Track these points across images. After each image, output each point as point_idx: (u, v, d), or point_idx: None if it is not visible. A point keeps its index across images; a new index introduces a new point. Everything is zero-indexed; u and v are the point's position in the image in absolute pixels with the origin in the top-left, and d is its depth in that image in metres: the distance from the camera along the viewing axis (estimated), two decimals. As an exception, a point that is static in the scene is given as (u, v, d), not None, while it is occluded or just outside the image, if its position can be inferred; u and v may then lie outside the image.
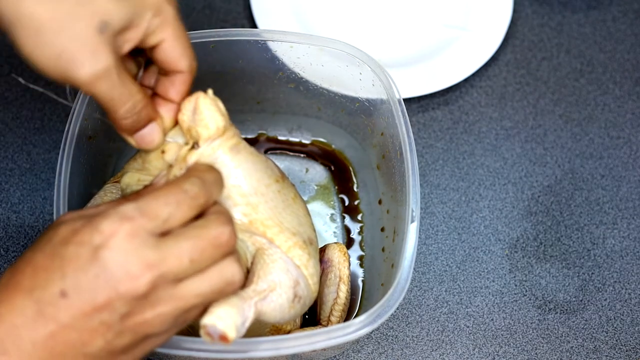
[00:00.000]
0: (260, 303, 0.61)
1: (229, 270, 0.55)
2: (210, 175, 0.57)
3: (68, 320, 0.51)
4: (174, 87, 0.60)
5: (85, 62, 0.55)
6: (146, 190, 0.57)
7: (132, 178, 0.66)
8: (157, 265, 0.51)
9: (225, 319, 0.56)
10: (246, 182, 0.63)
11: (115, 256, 0.51)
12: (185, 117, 0.61)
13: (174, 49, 0.59)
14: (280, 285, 0.62)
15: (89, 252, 0.51)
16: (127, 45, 0.57)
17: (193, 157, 0.61)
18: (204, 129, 0.61)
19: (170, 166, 0.61)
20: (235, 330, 0.57)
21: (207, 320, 0.56)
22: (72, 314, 0.51)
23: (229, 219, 0.56)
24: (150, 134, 0.61)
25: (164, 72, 0.61)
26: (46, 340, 0.51)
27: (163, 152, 0.63)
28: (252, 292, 0.61)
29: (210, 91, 0.62)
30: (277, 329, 0.70)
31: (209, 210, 0.56)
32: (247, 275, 0.63)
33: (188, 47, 0.60)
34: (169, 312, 0.53)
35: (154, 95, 0.62)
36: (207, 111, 0.61)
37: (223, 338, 0.56)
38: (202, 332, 0.57)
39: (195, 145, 0.61)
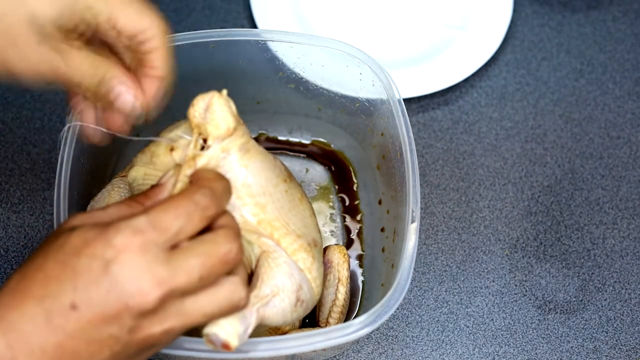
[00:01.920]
0: (262, 308, 0.61)
1: (237, 295, 0.55)
2: (219, 184, 0.57)
3: (77, 332, 0.51)
4: (149, 55, 0.60)
5: (17, 62, 0.56)
6: (154, 191, 0.58)
7: (138, 172, 0.66)
8: (167, 281, 0.52)
9: (227, 328, 0.56)
10: (255, 182, 0.63)
11: (126, 271, 0.51)
12: (197, 113, 0.61)
13: (130, 24, 0.57)
14: (283, 290, 0.62)
15: (100, 266, 0.51)
16: (80, 37, 0.57)
17: (203, 159, 0.61)
18: (215, 128, 0.61)
19: (178, 165, 0.61)
20: (237, 339, 0.57)
21: (210, 329, 0.56)
22: (81, 326, 0.51)
23: (237, 234, 0.56)
24: (124, 100, 0.60)
25: (134, 45, 0.60)
26: (54, 349, 0.51)
27: (172, 149, 0.63)
28: (254, 297, 0.61)
29: (224, 91, 0.62)
30: (274, 330, 0.70)
31: (217, 221, 0.57)
32: (250, 278, 0.63)
33: (144, 14, 0.58)
34: (176, 328, 0.54)
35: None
36: (219, 111, 0.61)
37: (225, 346, 0.57)
38: (204, 339, 0.57)
39: (204, 145, 0.61)
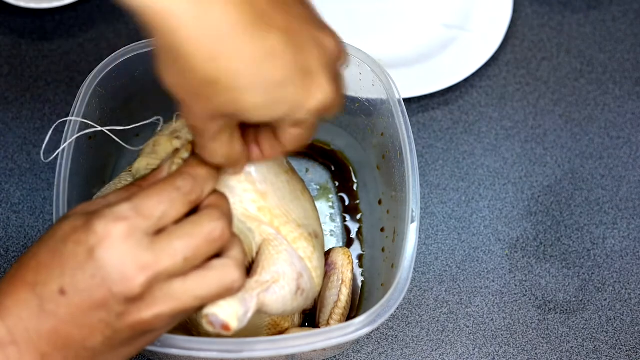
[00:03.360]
0: (262, 294, 0.61)
1: (229, 277, 0.55)
2: (202, 170, 0.58)
3: (68, 317, 0.52)
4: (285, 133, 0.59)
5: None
6: (153, 175, 0.59)
7: (141, 163, 0.67)
8: (151, 266, 0.52)
9: (226, 309, 0.56)
10: (256, 169, 0.63)
11: (109, 257, 0.51)
12: None
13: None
14: (283, 277, 0.63)
15: (85, 252, 0.52)
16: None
17: None
18: None
19: (176, 149, 0.62)
20: (237, 320, 0.57)
21: (209, 309, 0.56)
22: (71, 311, 0.52)
23: (222, 213, 0.56)
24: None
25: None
26: (49, 333, 0.52)
27: (176, 137, 0.64)
28: (255, 283, 0.61)
29: None
30: (274, 325, 0.70)
31: (204, 202, 0.57)
32: (251, 266, 0.63)
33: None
34: (166, 312, 0.53)
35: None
36: None
37: (225, 327, 0.57)
38: (203, 321, 0.57)
39: None
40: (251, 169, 0.63)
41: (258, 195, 0.63)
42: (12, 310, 0.52)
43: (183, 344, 0.61)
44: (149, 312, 0.53)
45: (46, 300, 0.52)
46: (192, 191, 0.56)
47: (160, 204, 0.54)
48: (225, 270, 0.55)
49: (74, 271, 0.52)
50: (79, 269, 0.52)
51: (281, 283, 0.62)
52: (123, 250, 0.52)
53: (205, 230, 0.54)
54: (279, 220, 0.64)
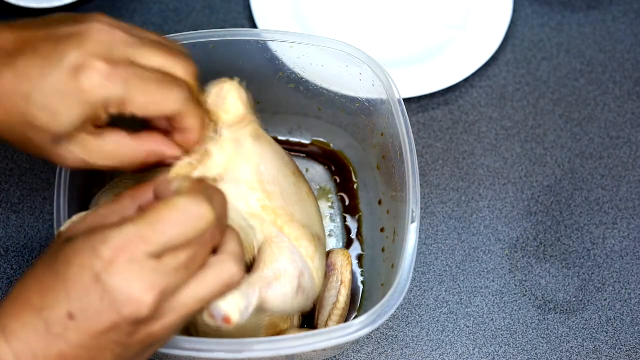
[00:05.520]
0: (264, 290, 0.61)
1: (227, 272, 0.55)
2: (218, 196, 0.56)
3: (77, 341, 0.52)
4: (184, 138, 0.60)
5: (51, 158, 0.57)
6: (147, 186, 0.58)
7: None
8: (158, 285, 0.52)
9: (229, 301, 0.57)
10: (267, 170, 0.64)
11: (117, 281, 0.51)
12: (209, 99, 0.62)
13: (145, 110, 0.57)
14: (285, 274, 0.63)
15: (91, 277, 0.51)
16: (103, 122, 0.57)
17: (217, 144, 0.62)
18: (225, 113, 0.63)
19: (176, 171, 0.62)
20: (238, 313, 0.57)
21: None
22: (81, 335, 0.52)
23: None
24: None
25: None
26: (58, 357, 0.52)
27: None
28: (257, 278, 0.61)
29: (236, 80, 0.63)
30: (273, 326, 0.70)
31: None
32: (253, 264, 0.63)
33: (158, 95, 0.57)
34: (175, 322, 0.54)
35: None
36: (230, 97, 0.63)
37: (226, 320, 0.57)
38: (205, 313, 0.57)
39: (216, 131, 0.62)
40: (262, 170, 0.63)
41: (265, 195, 0.63)
42: (19, 335, 0.51)
43: (183, 344, 0.61)
44: (158, 325, 0.53)
45: (54, 325, 0.51)
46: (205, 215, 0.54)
47: (169, 230, 0.52)
48: (223, 267, 0.55)
49: (81, 295, 0.51)
50: (85, 293, 0.51)
51: (283, 280, 0.63)
52: (130, 274, 0.51)
53: (204, 236, 0.54)
54: (282, 219, 0.64)
